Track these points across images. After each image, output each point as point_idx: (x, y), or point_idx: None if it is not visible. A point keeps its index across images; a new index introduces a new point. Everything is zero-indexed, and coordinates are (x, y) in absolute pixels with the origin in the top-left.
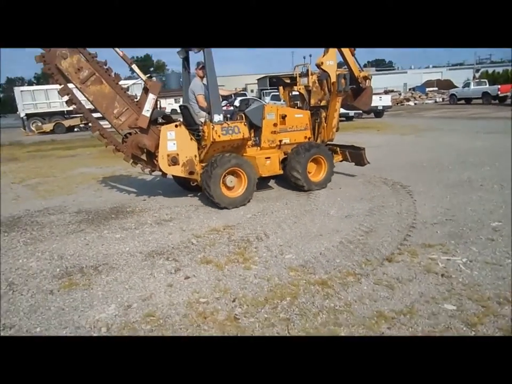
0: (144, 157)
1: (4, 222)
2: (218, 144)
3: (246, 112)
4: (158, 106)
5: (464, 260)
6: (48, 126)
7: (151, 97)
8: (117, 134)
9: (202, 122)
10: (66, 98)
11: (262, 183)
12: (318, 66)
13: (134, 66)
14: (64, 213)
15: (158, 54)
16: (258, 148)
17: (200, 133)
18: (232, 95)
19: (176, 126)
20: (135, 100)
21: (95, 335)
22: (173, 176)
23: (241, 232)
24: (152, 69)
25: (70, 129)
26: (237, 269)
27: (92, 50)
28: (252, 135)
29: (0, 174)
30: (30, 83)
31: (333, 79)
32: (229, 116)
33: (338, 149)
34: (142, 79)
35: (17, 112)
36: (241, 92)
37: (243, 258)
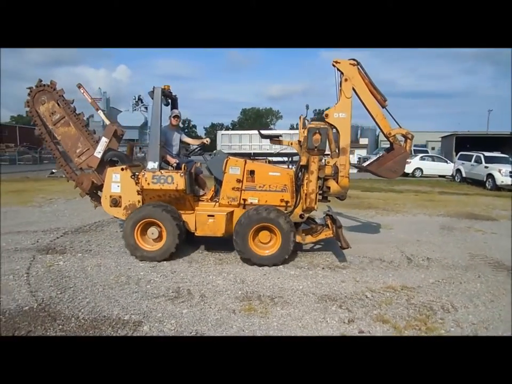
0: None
1: (202, 241)
2: (151, 192)
3: (207, 163)
4: (134, 151)
5: None
6: None
7: (103, 140)
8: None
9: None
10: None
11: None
12: (324, 118)
13: (100, 112)
14: None
15: None
16: (217, 203)
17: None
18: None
19: (122, 169)
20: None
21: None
22: None
23: (423, 297)
24: None
25: None
26: None
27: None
28: (213, 188)
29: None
30: (227, 128)
31: (345, 135)
32: (175, 164)
33: (329, 221)
34: (105, 122)
35: (214, 151)
36: (421, 149)
37: (426, 327)
